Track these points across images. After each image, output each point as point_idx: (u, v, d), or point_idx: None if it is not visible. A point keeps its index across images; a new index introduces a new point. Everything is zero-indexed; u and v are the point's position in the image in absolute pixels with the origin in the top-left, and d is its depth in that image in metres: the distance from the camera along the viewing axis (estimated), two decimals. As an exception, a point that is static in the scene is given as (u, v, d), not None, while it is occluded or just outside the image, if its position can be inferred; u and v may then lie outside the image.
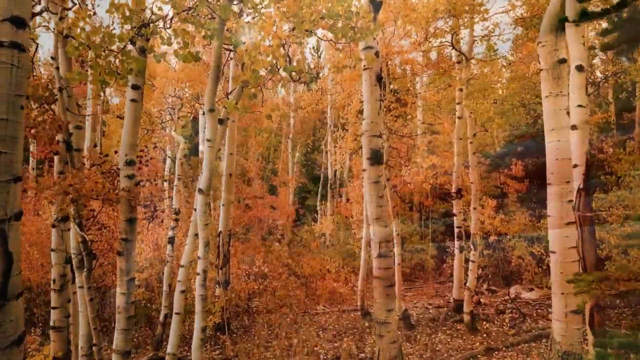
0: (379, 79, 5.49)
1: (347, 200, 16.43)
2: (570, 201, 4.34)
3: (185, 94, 7.84)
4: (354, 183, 11.15)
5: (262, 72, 3.27)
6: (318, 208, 18.66)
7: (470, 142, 8.21)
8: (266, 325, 8.82)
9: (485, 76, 6.98)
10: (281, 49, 2.90)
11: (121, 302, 3.82)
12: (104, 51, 3.29)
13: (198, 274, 3.76)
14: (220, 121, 4.08)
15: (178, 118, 7.99)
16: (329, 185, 18.38)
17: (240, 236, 14.55)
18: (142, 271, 8.45)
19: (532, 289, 10.62)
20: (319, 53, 29.60)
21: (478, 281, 12.85)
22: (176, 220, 7.49)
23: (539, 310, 9.23)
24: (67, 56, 4.02)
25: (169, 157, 18.80)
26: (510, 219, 11.83)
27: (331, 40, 3.75)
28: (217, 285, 8.56)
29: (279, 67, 3.06)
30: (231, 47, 3.44)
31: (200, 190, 3.73)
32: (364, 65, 5.39)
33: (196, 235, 3.91)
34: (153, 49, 3.59)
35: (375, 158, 5.35)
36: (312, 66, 32.37)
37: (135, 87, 3.86)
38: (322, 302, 10.67)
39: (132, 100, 3.85)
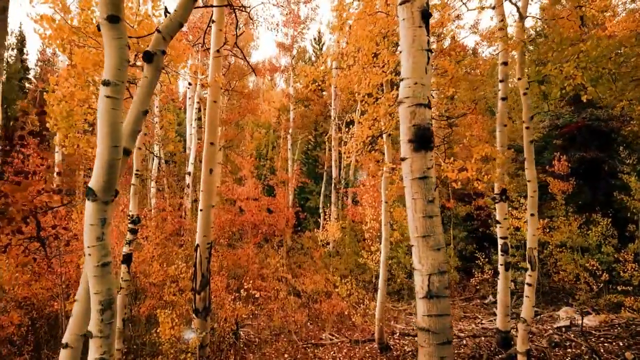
0: (426, 16, 3.50)
1: (356, 202, 14.46)
2: None
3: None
4: (370, 182, 9.13)
5: None
6: (321, 211, 16.69)
7: (527, 128, 6.24)
8: (258, 364, 6.86)
9: (559, 33, 5.05)
10: None
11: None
12: None
13: (89, 369, 1.77)
14: (148, 57, 2.10)
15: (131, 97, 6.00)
16: (333, 185, 16.40)
17: (233, 242, 12.58)
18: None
19: (587, 312, 8.62)
20: (320, 45, 27.61)
21: (512, 298, 10.89)
22: (133, 232, 5.51)
23: (605, 344, 7.24)
24: None
25: (155, 155, 16.84)
26: (553, 224, 9.84)
27: None
28: (194, 315, 6.58)
29: None
30: None
31: (89, 193, 1.75)
32: (402, -3, 3.42)
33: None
34: None
35: (422, 140, 3.35)
36: (313, 59, 30.39)
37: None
38: (328, 329, 8.69)
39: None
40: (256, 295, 6.96)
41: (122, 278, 5.39)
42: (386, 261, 7.27)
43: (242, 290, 6.73)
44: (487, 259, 11.36)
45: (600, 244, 9.40)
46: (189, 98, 15.71)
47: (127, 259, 5.45)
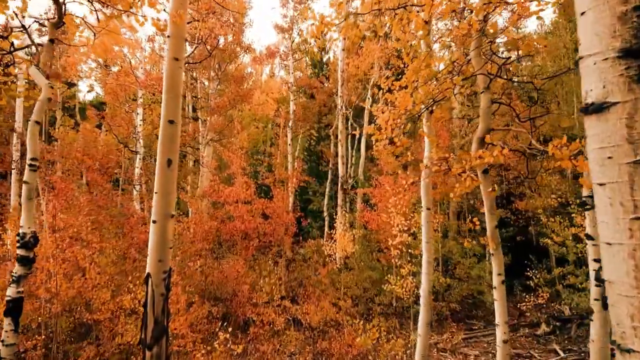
0: None
1: (370, 205, 12.24)
2: None
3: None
4: (408, 180, 6.87)
5: None
6: (325, 215, 14.45)
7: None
8: None
9: None
10: None
11: None
12: None
13: None
14: None
15: (52, 42, 3.81)
16: (339, 185, 14.14)
17: (221, 254, 10.34)
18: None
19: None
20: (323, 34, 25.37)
21: (572, 325, 8.67)
22: (24, 262, 3.28)
23: None
24: None
25: (138, 152, 14.58)
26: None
27: None
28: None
29: None
30: None
31: None
32: None
33: None
34: None
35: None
36: (315, 50, 28.20)
37: None
38: (341, 378, 6.46)
39: None
40: (238, 351, 4.71)
41: (2, 341, 3.14)
42: (429, 295, 5.02)
43: (216, 344, 4.48)
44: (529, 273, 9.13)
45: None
46: (172, 83, 13.50)
47: (14, 308, 3.21)
